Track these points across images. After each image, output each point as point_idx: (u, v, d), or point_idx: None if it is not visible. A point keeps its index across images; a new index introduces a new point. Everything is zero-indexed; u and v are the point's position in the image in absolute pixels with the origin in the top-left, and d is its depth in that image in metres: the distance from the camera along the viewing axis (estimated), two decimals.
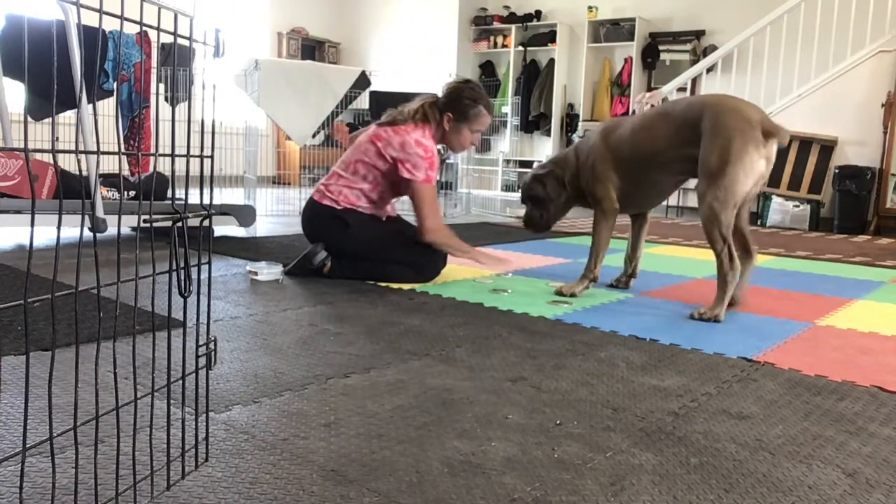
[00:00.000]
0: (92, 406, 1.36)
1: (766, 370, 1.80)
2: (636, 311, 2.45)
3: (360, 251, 2.75)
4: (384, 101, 5.63)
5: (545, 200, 2.77)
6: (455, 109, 2.74)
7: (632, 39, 8.12)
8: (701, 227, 2.39)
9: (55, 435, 0.84)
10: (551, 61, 8.82)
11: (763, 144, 2.29)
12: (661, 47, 8.07)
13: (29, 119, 3.61)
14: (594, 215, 2.67)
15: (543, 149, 9.02)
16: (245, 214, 3.93)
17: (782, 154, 5.74)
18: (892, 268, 3.79)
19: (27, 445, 0.81)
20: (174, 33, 0.99)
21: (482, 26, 9.31)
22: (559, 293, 2.65)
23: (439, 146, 2.89)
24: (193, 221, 1.03)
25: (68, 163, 5.16)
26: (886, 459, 1.27)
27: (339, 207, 2.74)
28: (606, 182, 2.61)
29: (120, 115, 4.12)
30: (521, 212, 6.18)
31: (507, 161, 9.01)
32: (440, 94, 2.81)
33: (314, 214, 2.80)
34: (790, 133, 2.42)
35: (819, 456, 1.27)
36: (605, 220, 2.64)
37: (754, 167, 2.28)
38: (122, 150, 3.91)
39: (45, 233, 3.74)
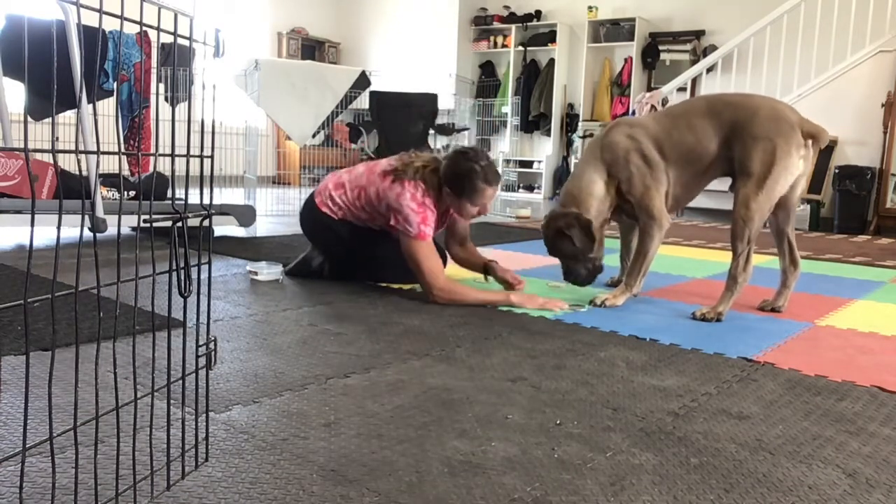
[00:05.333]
0: (92, 406, 1.36)
1: (766, 370, 1.80)
2: (636, 311, 2.45)
3: (357, 260, 2.75)
4: (384, 101, 5.65)
5: (580, 252, 2.50)
6: (452, 186, 2.51)
7: (632, 39, 8.12)
8: (730, 229, 2.39)
9: (55, 435, 0.84)
10: (551, 61, 8.82)
11: (803, 145, 2.33)
12: (661, 47, 8.07)
13: (29, 119, 3.61)
14: (646, 227, 2.48)
15: (543, 149, 9.02)
16: (245, 214, 3.93)
17: None
18: (892, 268, 3.79)
19: (27, 445, 0.81)
20: (174, 33, 0.99)
21: (482, 26, 9.31)
22: (595, 303, 2.50)
23: None
24: (193, 221, 1.03)
25: (68, 163, 5.16)
26: (886, 459, 1.27)
27: (336, 218, 2.68)
28: (661, 190, 2.47)
29: (120, 115, 4.12)
30: (522, 212, 6.23)
31: (507, 161, 9.01)
32: (442, 161, 2.57)
33: (312, 219, 2.75)
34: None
35: (819, 456, 1.27)
36: (660, 233, 2.47)
37: (795, 170, 2.33)
38: (122, 150, 3.91)
39: (45, 233, 3.74)
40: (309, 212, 2.78)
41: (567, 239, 2.48)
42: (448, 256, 2.89)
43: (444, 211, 2.66)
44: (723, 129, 2.41)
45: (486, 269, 2.78)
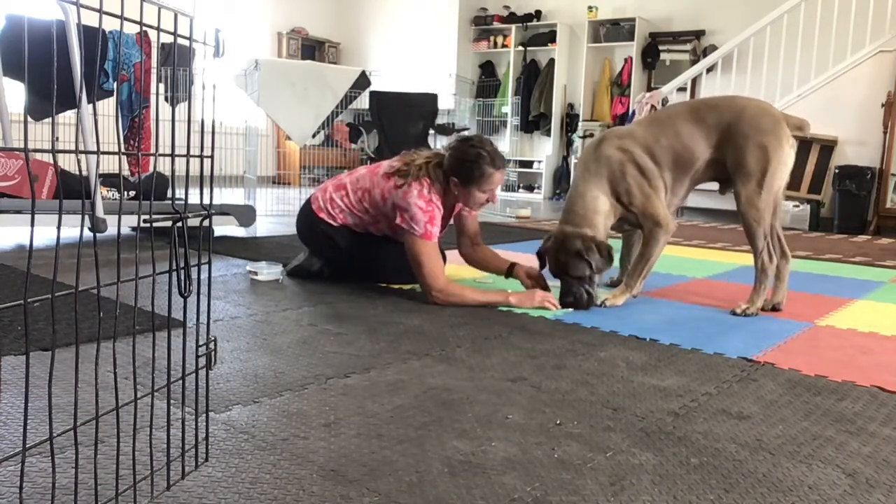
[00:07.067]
0: (92, 406, 1.36)
1: (766, 370, 1.80)
2: (636, 311, 2.45)
3: (357, 264, 2.74)
4: (384, 101, 5.65)
5: (593, 275, 2.45)
6: (459, 174, 2.47)
7: (632, 39, 8.12)
8: (745, 231, 2.43)
9: (55, 435, 0.84)
10: (551, 61, 8.82)
11: (790, 137, 2.40)
12: (661, 47, 8.07)
13: (29, 119, 3.61)
14: (652, 233, 2.47)
15: (543, 149, 9.02)
16: (245, 214, 3.93)
17: None
18: (892, 268, 3.79)
19: (27, 445, 0.81)
20: (174, 33, 0.99)
21: (482, 26, 9.31)
22: (595, 303, 2.48)
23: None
24: (193, 221, 1.03)
25: (68, 163, 5.16)
26: (886, 459, 1.27)
27: (334, 225, 2.66)
28: (661, 195, 2.48)
29: (120, 115, 4.12)
30: (522, 212, 6.22)
31: (507, 161, 9.02)
32: (445, 153, 2.55)
33: (309, 227, 2.72)
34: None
35: (819, 456, 1.27)
36: (666, 237, 2.48)
37: (790, 161, 2.40)
38: (122, 150, 3.91)
39: (45, 233, 3.74)
40: (305, 219, 2.75)
41: (584, 262, 2.42)
42: (446, 257, 2.89)
43: (451, 207, 2.65)
44: (710, 132, 2.43)
45: (510, 272, 2.69)
